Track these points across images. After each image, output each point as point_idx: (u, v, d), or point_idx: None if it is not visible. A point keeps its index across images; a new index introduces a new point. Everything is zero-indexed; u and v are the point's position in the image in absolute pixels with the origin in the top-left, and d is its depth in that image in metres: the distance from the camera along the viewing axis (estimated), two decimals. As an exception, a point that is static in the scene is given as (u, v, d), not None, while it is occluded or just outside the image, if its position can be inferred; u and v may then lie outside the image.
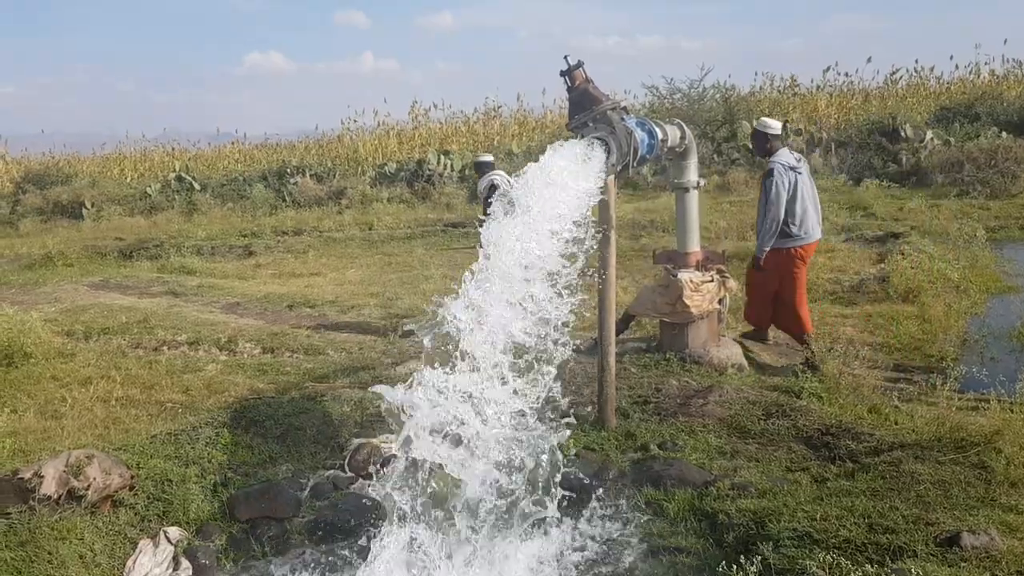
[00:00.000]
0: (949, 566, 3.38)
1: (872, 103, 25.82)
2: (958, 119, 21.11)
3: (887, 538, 3.64)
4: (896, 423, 5.41)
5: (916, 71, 27.86)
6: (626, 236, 14.26)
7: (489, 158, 8.67)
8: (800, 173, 6.87)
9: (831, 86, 27.50)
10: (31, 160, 31.15)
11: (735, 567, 3.44)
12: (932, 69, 27.85)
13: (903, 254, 10.43)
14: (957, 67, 28.58)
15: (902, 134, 19.92)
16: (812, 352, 6.67)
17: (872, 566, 3.31)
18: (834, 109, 25.54)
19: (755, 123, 7.44)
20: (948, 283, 9.40)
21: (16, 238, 19.76)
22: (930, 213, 14.18)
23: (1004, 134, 19.00)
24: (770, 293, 7.17)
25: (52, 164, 29.13)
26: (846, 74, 27.83)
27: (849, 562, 3.35)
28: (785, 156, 6.92)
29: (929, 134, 19.69)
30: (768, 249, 6.90)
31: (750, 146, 20.27)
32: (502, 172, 10.84)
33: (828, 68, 27.64)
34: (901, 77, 27.57)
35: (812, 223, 6.95)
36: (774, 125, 7.12)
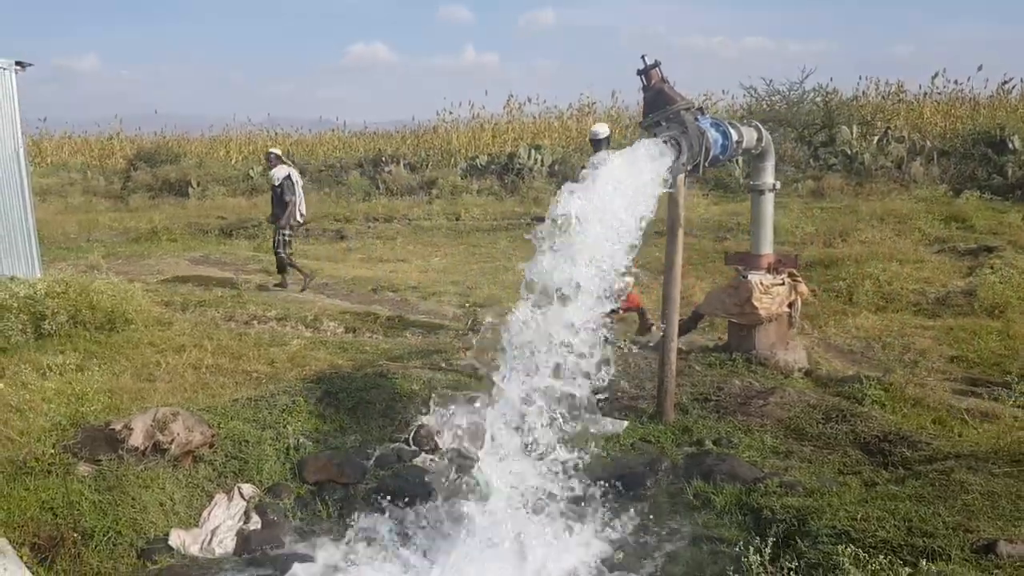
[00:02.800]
0: (982, 572, 3.40)
1: (981, 112, 24.85)
2: (1071, 132, 20.17)
3: (924, 541, 3.68)
4: (959, 435, 5.38)
5: (1031, 81, 26.62)
6: (711, 238, 14.23)
7: (605, 131, 8.58)
8: None
9: (939, 93, 26.54)
10: (143, 139, 32.66)
11: (750, 548, 3.54)
12: (1048, 79, 26.57)
13: (993, 268, 10.16)
14: (1075, 77, 27.13)
15: (1010, 145, 19.17)
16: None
17: (904, 566, 3.36)
18: (940, 117, 24.67)
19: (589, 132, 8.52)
20: (1038, 300, 9.13)
21: (126, 212, 20.82)
22: (1029, 228, 13.70)
23: (1120, 149, 18.12)
24: None
25: (163, 144, 30.48)
26: (955, 81, 26.75)
27: (880, 560, 3.41)
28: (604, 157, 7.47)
29: (1038, 147, 18.92)
30: None
31: (849, 151, 19.98)
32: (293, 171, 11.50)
33: (936, 74, 26.66)
34: (1014, 87, 26.42)
35: None
36: (600, 131, 8.26)
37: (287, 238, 11.45)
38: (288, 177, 11.38)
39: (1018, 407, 5.62)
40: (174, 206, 21.76)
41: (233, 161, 28.84)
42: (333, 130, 31.73)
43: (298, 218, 11.53)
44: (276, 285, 11.48)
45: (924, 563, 3.38)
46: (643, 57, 5.54)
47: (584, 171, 4.85)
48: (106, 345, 7.82)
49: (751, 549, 3.56)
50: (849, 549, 3.49)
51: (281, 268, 11.52)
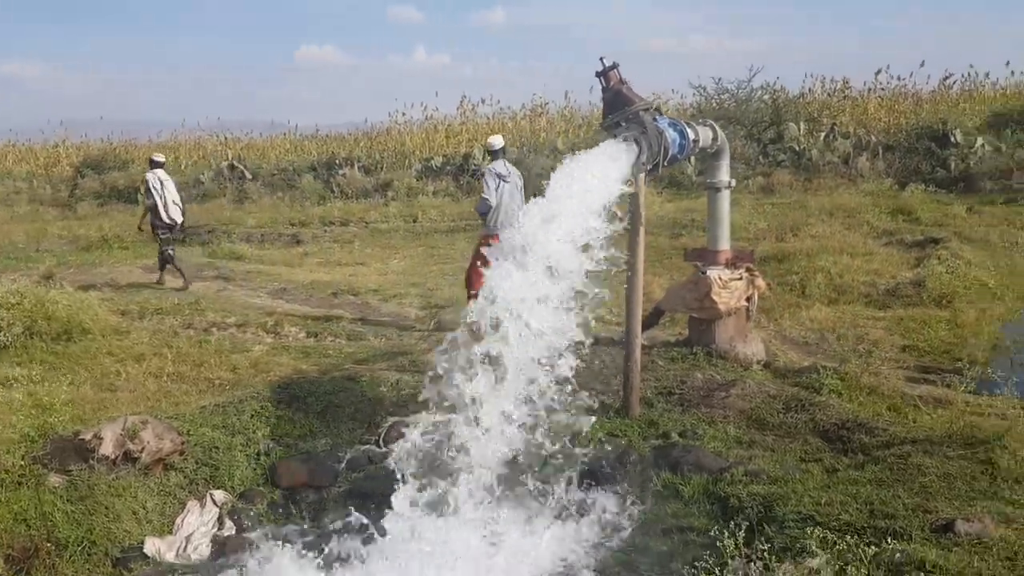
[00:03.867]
0: (941, 549, 3.55)
1: (924, 107, 25.48)
2: (1011, 126, 20.76)
3: (886, 523, 3.83)
4: (913, 421, 5.57)
5: (970, 76, 27.41)
6: (666, 235, 14.42)
7: (500, 142, 9.08)
8: (507, 181, 8.45)
9: (883, 89, 27.16)
10: (90, 146, 32.07)
11: (725, 532, 3.65)
12: (987, 75, 27.37)
13: (940, 259, 10.47)
14: (1013, 73, 27.91)
15: (952, 139, 19.71)
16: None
17: (868, 546, 3.51)
18: (884, 112, 25.25)
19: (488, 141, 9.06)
20: (984, 289, 9.45)
21: (74, 220, 20.45)
22: (972, 219, 14.12)
23: (1058, 143, 18.73)
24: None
25: (110, 150, 29.95)
26: (898, 77, 27.44)
27: (847, 540, 3.55)
28: (498, 166, 8.54)
29: (980, 140, 19.45)
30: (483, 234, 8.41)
31: (797, 148, 20.37)
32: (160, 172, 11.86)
33: (879, 71, 27.30)
34: (955, 82, 27.16)
35: (504, 221, 8.19)
36: (493, 143, 8.83)
37: (161, 237, 11.77)
38: (148, 181, 11.83)
39: (969, 393, 5.83)
40: (124, 213, 21.41)
41: (183, 166, 28.43)
42: (285, 133, 31.48)
43: (165, 220, 11.72)
44: (156, 283, 11.98)
45: (889, 541, 3.52)
46: (602, 59, 5.65)
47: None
48: (64, 356, 7.73)
49: (725, 534, 3.67)
50: (817, 531, 3.62)
51: (161, 266, 11.96)
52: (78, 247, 16.43)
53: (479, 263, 8.07)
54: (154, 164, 12.10)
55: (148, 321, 9.39)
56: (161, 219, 11.69)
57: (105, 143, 31.95)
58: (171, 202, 11.79)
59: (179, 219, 11.89)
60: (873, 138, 21.85)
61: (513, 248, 4.63)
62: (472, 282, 8.35)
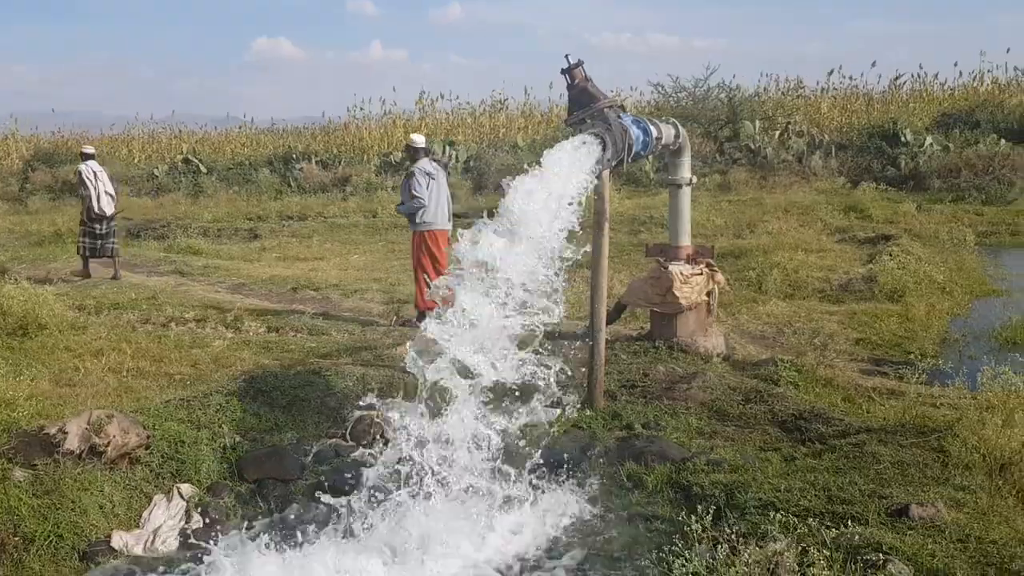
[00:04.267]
0: (897, 532, 3.70)
1: (875, 107, 26.06)
2: (959, 125, 21.35)
3: (843, 508, 3.97)
4: (867, 411, 5.75)
5: (920, 77, 28.08)
6: (626, 231, 14.58)
7: (422, 141, 9.33)
8: (435, 179, 8.72)
9: (835, 89, 27.73)
10: (40, 139, 31.45)
11: (693, 517, 3.76)
12: (936, 75, 28.06)
13: (891, 255, 10.75)
14: (961, 74, 28.68)
15: (902, 139, 20.20)
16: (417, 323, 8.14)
17: (828, 530, 3.64)
18: (837, 112, 25.78)
19: (408, 139, 9.39)
20: (933, 284, 9.72)
21: (26, 215, 20.06)
22: (922, 217, 14.50)
23: (1003, 142, 19.27)
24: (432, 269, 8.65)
25: (61, 143, 29.42)
26: (850, 78, 28.07)
27: (806, 526, 3.68)
28: (426, 165, 8.76)
29: (929, 139, 19.97)
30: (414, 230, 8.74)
31: (752, 146, 20.69)
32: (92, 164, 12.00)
33: (832, 71, 27.87)
34: (905, 82, 27.80)
35: (439, 216, 8.72)
36: (419, 140, 9.12)
37: (87, 230, 11.87)
38: (81, 172, 11.92)
39: (920, 384, 6.03)
40: (77, 207, 20.94)
41: (136, 160, 28.05)
42: (241, 127, 31.16)
43: (96, 211, 11.82)
44: (75, 274, 11.99)
45: (850, 524, 3.66)
46: (567, 56, 5.74)
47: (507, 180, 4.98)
48: (20, 351, 7.61)
49: (693, 519, 3.77)
50: (778, 516, 3.74)
51: (84, 256, 12.07)
52: (30, 242, 16.13)
53: (428, 264, 8.70)
54: (85, 156, 12.27)
55: (105, 316, 9.27)
56: (93, 211, 11.78)
57: (57, 136, 31.37)
58: (104, 193, 11.88)
59: (109, 211, 11.96)
60: (826, 137, 22.32)
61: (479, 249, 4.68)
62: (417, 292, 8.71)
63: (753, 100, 23.64)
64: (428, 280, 8.13)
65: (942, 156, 18.99)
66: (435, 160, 9.51)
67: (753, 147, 20.99)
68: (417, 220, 8.69)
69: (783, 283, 10.17)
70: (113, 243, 12.00)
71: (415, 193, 8.59)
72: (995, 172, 17.33)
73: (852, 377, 6.61)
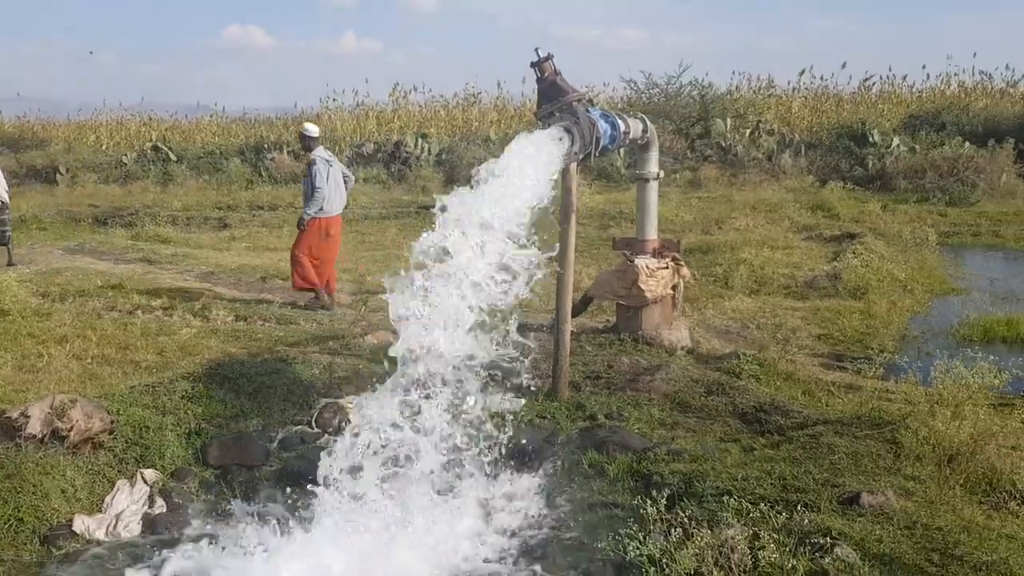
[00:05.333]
0: (846, 519, 3.80)
1: (845, 108, 26.36)
2: (925, 127, 21.67)
3: (797, 496, 4.07)
4: (826, 404, 5.88)
5: (889, 79, 28.42)
6: (596, 225, 14.69)
7: (316, 131, 9.63)
8: (332, 166, 9.26)
9: (806, 89, 27.99)
10: (4, 123, 30.97)
11: (648, 500, 3.84)
12: (905, 78, 28.39)
13: (855, 254, 10.94)
14: (928, 77, 29.06)
15: (870, 139, 20.51)
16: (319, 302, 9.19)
17: (781, 514, 3.74)
18: (807, 111, 26.05)
19: (301, 128, 9.76)
20: (895, 282, 9.91)
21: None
22: (887, 216, 14.74)
23: (967, 144, 19.59)
24: (308, 255, 9.23)
25: (27, 128, 29.03)
26: (821, 78, 28.32)
27: (761, 508, 3.78)
28: (323, 152, 9.31)
29: (896, 140, 20.27)
30: (311, 216, 9.13)
31: (723, 143, 20.88)
32: None
33: (803, 71, 28.11)
34: (874, 84, 28.12)
35: (334, 203, 9.24)
36: (313, 130, 9.52)
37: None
38: None
39: (877, 379, 6.17)
40: (42, 194, 20.82)
41: (104, 147, 27.70)
42: (211, 116, 30.85)
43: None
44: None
45: (799, 509, 3.76)
46: (536, 50, 5.77)
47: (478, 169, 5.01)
48: (-19, 337, 7.55)
49: (648, 503, 3.85)
50: (731, 502, 3.83)
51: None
52: (-7, 227, 15.89)
53: (305, 250, 9.19)
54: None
55: (70, 303, 9.22)
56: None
57: (22, 121, 30.89)
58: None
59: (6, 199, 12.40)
60: (796, 136, 22.56)
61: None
62: (305, 271, 9.21)
63: (725, 98, 23.81)
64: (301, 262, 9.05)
65: (908, 157, 19.30)
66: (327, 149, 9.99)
67: (724, 145, 21.19)
68: (323, 207, 9.14)
69: (749, 279, 10.32)
70: (7, 231, 12.20)
71: (316, 184, 9.03)
72: (959, 174, 17.63)
73: (813, 371, 6.75)
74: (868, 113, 23.93)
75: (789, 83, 28.22)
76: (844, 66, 29.52)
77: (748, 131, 22.25)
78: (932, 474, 4.35)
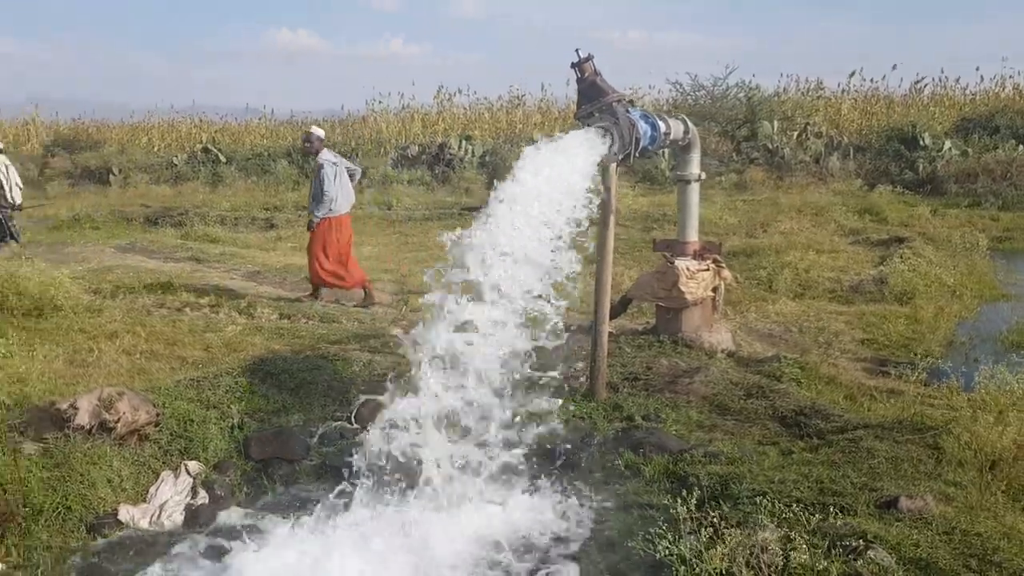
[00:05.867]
0: (883, 523, 3.76)
1: (896, 110, 25.95)
2: (978, 130, 21.25)
3: (833, 499, 4.03)
4: (868, 409, 5.80)
5: (941, 81, 27.92)
6: (639, 228, 14.64)
7: (322, 132, 9.84)
8: (338, 166, 9.52)
9: (856, 91, 27.62)
10: (60, 125, 31.79)
11: (678, 500, 3.84)
12: (958, 80, 27.90)
13: (902, 258, 10.76)
14: (982, 79, 28.47)
15: (920, 142, 20.14)
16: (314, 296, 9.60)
17: (814, 515, 3.71)
18: (857, 114, 25.71)
19: (309, 129, 9.90)
20: (943, 287, 9.73)
21: (44, 200, 20.31)
22: (936, 221, 14.47)
23: (1021, 147, 19.16)
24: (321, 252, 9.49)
25: (81, 130, 29.74)
26: (871, 80, 27.92)
27: (793, 510, 3.75)
28: (329, 155, 9.53)
29: (947, 144, 19.89)
30: (320, 218, 9.41)
31: (770, 146, 20.67)
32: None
33: (853, 73, 27.74)
34: (926, 86, 27.65)
35: (342, 202, 9.52)
36: (320, 133, 9.79)
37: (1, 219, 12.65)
38: None
39: (921, 384, 6.07)
40: (95, 194, 21.32)
41: (156, 148, 28.33)
42: (260, 118, 31.35)
43: (9, 201, 12.72)
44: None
45: (834, 512, 3.72)
46: (577, 51, 5.79)
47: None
48: (35, 332, 7.75)
49: (678, 502, 3.84)
50: (765, 503, 3.81)
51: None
52: (48, 226, 16.34)
53: (321, 247, 9.41)
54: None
55: (121, 300, 9.42)
56: (6, 200, 12.59)
57: (77, 122, 31.68)
58: (15, 185, 12.76)
59: (19, 200, 13.00)
60: (845, 139, 22.25)
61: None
62: (326, 273, 9.46)
63: (772, 100, 23.59)
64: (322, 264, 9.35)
65: (960, 161, 18.92)
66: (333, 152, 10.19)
67: (771, 147, 20.97)
68: (332, 207, 9.43)
69: (793, 282, 10.20)
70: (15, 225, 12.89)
71: (324, 188, 9.32)
72: (1012, 178, 17.26)
73: (855, 375, 6.67)
74: (919, 116, 23.53)
75: (839, 85, 27.89)
76: (895, 68, 29.07)
77: (796, 133, 22.00)
78: (973, 480, 4.27)
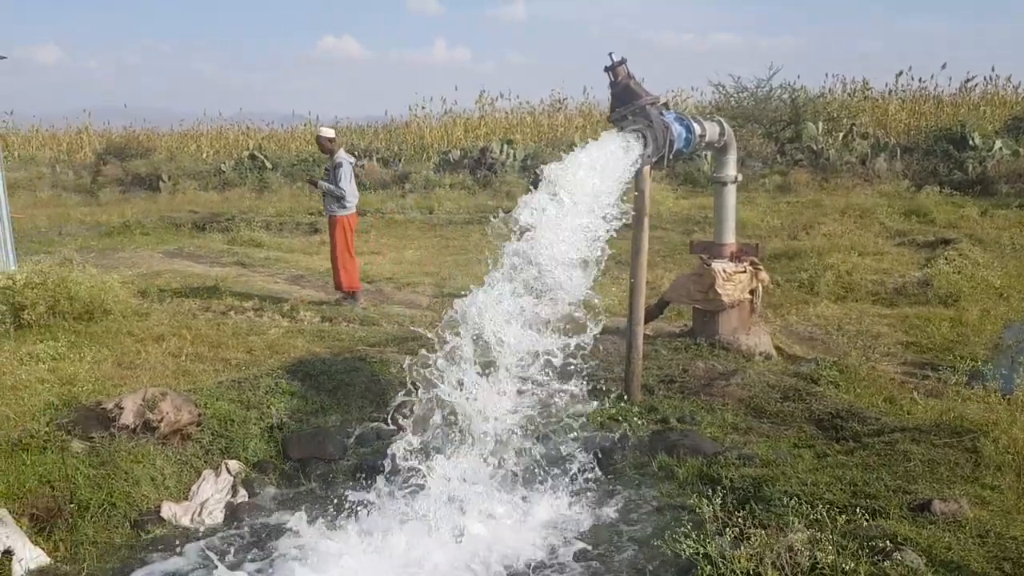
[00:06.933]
0: (915, 525, 3.73)
1: (945, 110, 25.46)
2: (1030, 129, 20.79)
3: (866, 502, 4.01)
4: (908, 412, 5.73)
5: (992, 79, 27.32)
6: (679, 231, 14.56)
7: (331, 132, 9.94)
8: (353, 166, 9.86)
9: (903, 91, 27.15)
10: (112, 133, 32.52)
11: (704, 499, 3.84)
12: (1009, 78, 27.28)
13: (948, 260, 10.58)
14: (1035, 77, 27.83)
15: (970, 142, 19.74)
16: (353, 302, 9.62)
17: (840, 515, 3.69)
18: (904, 114, 25.28)
19: (319, 131, 10.15)
20: (990, 289, 9.55)
21: (96, 206, 20.79)
22: (985, 222, 14.18)
23: (1075, 147, 18.71)
24: (347, 253, 9.81)
25: (132, 138, 30.39)
26: (919, 80, 27.42)
27: (820, 510, 3.74)
28: (344, 155, 9.78)
29: (998, 143, 19.47)
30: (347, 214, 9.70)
31: (815, 147, 20.42)
32: None
33: (901, 72, 27.28)
34: (976, 85, 27.08)
35: (355, 200, 9.84)
36: (330, 132, 9.96)
37: None
38: None
39: (961, 387, 5.98)
40: (145, 200, 21.77)
41: (204, 155, 28.86)
42: (305, 124, 31.78)
43: None
44: None
45: (865, 514, 3.70)
46: (610, 54, 5.82)
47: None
48: (85, 335, 7.97)
49: (704, 502, 3.85)
50: (793, 503, 3.80)
51: None
52: (100, 232, 16.73)
53: (350, 245, 9.77)
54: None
55: (167, 303, 9.64)
56: None
57: (128, 131, 32.39)
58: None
59: None
60: (891, 139, 21.88)
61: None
62: (344, 274, 9.71)
63: (817, 101, 23.30)
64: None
65: (1011, 161, 18.52)
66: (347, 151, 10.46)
67: (815, 148, 20.72)
68: (346, 205, 9.69)
69: (836, 285, 10.09)
70: None
71: (342, 184, 9.57)
72: (1066, 178, 16.85)
73: (895, 378, 6.58)
74: (969, 115, 23.07)
75: (886, 85, 27.44)
76: (944, 67, 28.55)
77: (841, 134, 21.70)
78: (1011, 484, 4.21)
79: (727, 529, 3.60)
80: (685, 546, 3.62)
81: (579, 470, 5.04)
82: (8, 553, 4.00)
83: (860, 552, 3.42)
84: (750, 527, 3.57)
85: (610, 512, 4.69)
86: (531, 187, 4.87)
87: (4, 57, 11.17)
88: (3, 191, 11.23)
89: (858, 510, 3.86)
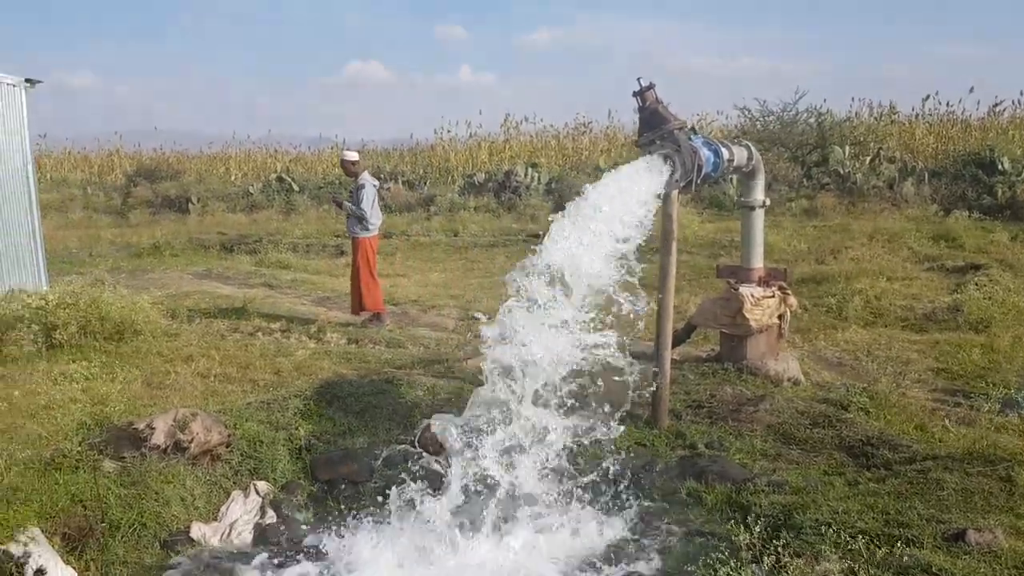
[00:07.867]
0: (950, 556, 3.67)
1: (973, 134, 25.25)
2: (1060, 154, 20.56)
3: (899, 531, 3.95)
4: (940, 440, 5.65)
5: (1020, 104, 27.05)
6: (706, 255, 14.53)
7: (355, 155, 10.09)
8: (376, 188, 9.97)
9: (931, 115, 26.95)
10: (143, 155, 32.99)
11: (742, 526, 3.81)
12: (1039, 102, 26.95)
13: (978, 285, 10.46)
14: (1066, 100, 27.44)
15: (999, 166, 19.56)
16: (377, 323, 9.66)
17: (878, 548, 3.64)
18: (932, 138, 25.08)
19: (343, 154, 10.35)
20: (1021, 316, 9.43)
21: (127, 228, 21.08)
22: (1016, 247, 14.03)
23: (1107, 171, 18.49)
24: (369, 275, 9.83)
25: (162, 160, 30.82)
26: (947, 103, 27.19)
27: (859, 542, 3.69)
28: (369, 177, 9.92)
29: (1028, 168, 19.29)
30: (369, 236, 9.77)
31: (841, 171, 20.31)
32: None
33: (928, 96, 27.11)
34: (1005, 109, 26.83)
35: (378, 222, 9.93)
36: (353, 155, 10.15)
37: None
38: None
39: (994, 414, 5.91)
40: (175, 222, 22.03)
41: (233, 178, 29.18)
42: (332, 147, 32.06)
43: None
44: None
45: (899, 546, 3.65)
46: (639, 79, 5.85)
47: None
48: (116, 355, 8.06)
49: (741, 529, 3.81)
50: (830, 533, 3.76)
51: None
52: (130, 253, 16.94)
53: (373, 267, 9.86)
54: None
55: (197, 324, 9.73)
56: None
57: (158, 153, 32.85)
58: None
59: None
60: (919, 164, 21.73)
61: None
62: (368, 296, 9.72)
63: (844, 125, 23.22)
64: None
65: (1042, 185, 18.33)
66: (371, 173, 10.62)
67: (842, 172, 20.62)
68: (368, 227, 9.75)
69: (864, 310, 10.00)
70: None
71: (364, 207, 9.65)
72: (1097, 203, 16.65)
73: (926, 405, 6.50)
74: (997, 140, 22.87)
75: (912, 109, 27.25)
76: (972, 91, 28.34)
77: (868, 159, 21.59)
78: (1048, 514, 4.15)
79: (764, 557, 3.56)
80: (722, 574, 3.59)
81: (609, 495, 5.02)
82: (41, 572, 4.04)
83: (895, 582, 3.39)
84: (786, 556, 3.52)
85: (639, 539, 4.67)
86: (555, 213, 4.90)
87: (40, 81, 11.38)
88: (37, 216, 11.46)
89: (892, 539, 3.81)
